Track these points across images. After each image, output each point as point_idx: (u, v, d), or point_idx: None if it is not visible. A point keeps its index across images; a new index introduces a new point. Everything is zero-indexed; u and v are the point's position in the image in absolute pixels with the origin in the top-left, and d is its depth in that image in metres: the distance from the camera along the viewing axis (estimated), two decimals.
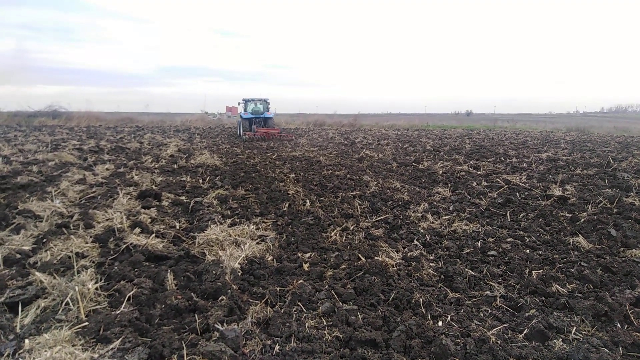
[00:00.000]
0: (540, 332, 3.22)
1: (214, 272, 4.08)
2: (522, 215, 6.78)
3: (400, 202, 7.52)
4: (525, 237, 5.64)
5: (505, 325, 3.40)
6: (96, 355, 2.76)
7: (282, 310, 3.53)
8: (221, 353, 2.77)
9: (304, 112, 75.27)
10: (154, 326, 3.24)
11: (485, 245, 5.32)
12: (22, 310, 3.38)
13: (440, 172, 10.89)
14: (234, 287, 3.86)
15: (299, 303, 3.66)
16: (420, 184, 9.47)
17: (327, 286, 4.00)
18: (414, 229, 5.96)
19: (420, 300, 3.70)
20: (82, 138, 20.77)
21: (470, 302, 3.86)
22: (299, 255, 4.87)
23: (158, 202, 7.12)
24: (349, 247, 5.17)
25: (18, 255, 4.52)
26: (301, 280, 4.06)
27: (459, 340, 3.14)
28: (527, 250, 5.16)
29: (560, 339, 3.17)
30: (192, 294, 3.74)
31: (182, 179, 9.51)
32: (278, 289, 3.93)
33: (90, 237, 5.11)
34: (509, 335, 3.26)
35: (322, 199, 7.72)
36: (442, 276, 4.37)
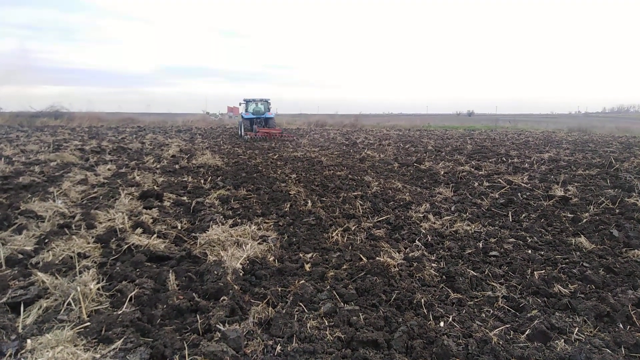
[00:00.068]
0: (542, 332, 3.22)
1: (215, 272, 4.08)
2: (523, 215, 6.77)
3: (401, 203, 7.52)
4: (527, 238, 5.63)
5: (507, 325, 3.40)
6: (98, 356, 2.76)
7: (284, 311, 3.53)
8: (223, 353, 2.77)
9: (305, 112, 75.36)
10: (156, 326, 3.24)
11: (487, 245, 5.31)
12: (24, 311, 3.38)
13: (442, 172, 10.88)
14: (236, 287, 3.86)
15: (300, 303, 3.66)
16: (422, 185, 9.47)
17: (328, 286, 4.00)
18: (415, 230, 5.96)
19: (422, 300, 3.69)
20: (84, 138, 20.81)
21: (472, 302, 3.85)
22: (301, 255, 4.87)
23: (160, 202, 7.13)
24: (350, 247, 5.17)
25: (20, 256, 4.53)
26: (303, 281, 4.06)
27: (460, 340, 3.14)
28: (529, 251, 5.15)
29: (563, 340, 3.16)
30: (193, 294, 3.74)
31: (183, 179, 9.52)
32: (279, 289, 3.94)
33: (92, 237, 5.12)
34: (511, 336, 3.26)
35: (324, 199, 7.72)
36: (443, 276, 4.36)
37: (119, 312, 3.31)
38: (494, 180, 9.56)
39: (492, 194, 8.14)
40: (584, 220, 6.37)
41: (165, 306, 3.50)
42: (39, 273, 3.92)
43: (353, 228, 5.96)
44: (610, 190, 8.40)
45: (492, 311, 3.68)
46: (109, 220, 5.85)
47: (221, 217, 6.22)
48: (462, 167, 11.55)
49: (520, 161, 13.25)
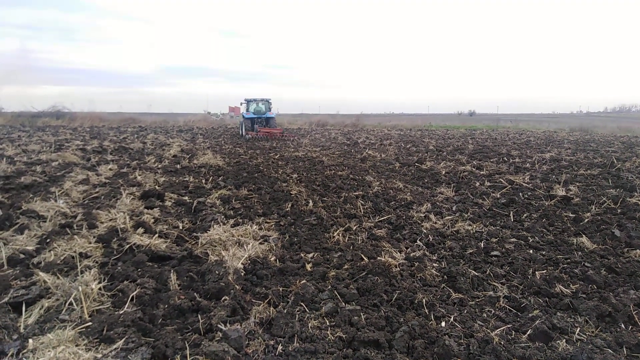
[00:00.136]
0: (544, 332, 3.21)
1: (217, 272, 4.08)
2: (525, 215, 6.76)
3: (403, 203, 7.51)
4: (529, 238, 5.62)
5: (508, 325, 3.39)
6: (99, 355, 2.77)
7: (285, 311, 3.53)
8: (224, 353, 2.77)
9: (307, 112, 75.34)
10: (157, 326, 3.25)
11: (488, 245, 5.30)
12: (25, 310, 3.39)
13: (443, 172, 10.87)
14: (237, 287, 3.86)
15: (301, 303, 3.66)
16: (423, 184, 9.46)
17: (330, 286, 4.00)
18: (416, 229, 5.95)
19: (423, 300, 3.69)
20: (85, 138, 20.85)
21: (473, 302, 3.85)
22: (302, 255, 4.87)
23: (161, 202, 7.14)
24: (351, 247, 5.17)
25: (22, 256, 4.54)
26: (304, 281, 4.07)
27: (462, 340, 3.14)
28: (531, 251, 5.15)
29: (564, 340, 3.15)
30: (195, 294, 3.75)
31: (185, 179, 9.53)
32: (281, 289, 3.94)
33: (94, 237, 5.13)
34: (513, 336, 3.25)
35: (325, 199, 7.72)
36: (445, 276, 4.36)
37: (121, 312, 3.31)
38: (495, 180, 9.55)
39: (493, 194, 8.13)
40: (586, 220, 6.35)
41: (166, 306, 3.51)
42: (40, 273, 3.93)
43: (354, 228, 5.95)
44: (612, 190, 8.38)
45: (493, 311, 3.68)
46: (110, 220, 5.86)
47: (222, 217, 6.23)
48: (464, 167, 11.54)
49: (521, 161, 13.24)
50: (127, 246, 4.79)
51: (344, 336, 3.16)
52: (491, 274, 4.41)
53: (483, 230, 5.92)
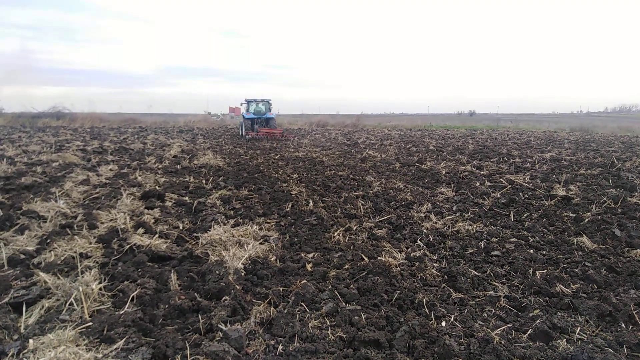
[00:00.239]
0: (544, 332, 3.21)
1: (217, 272, 4.09)
2: (525, 215, 6.75)
3: (403, 203, 7.51)
4: (529, 237, 5.62)
5: (509, 325, 3.39)
6: (100, 355, 2.77)
7: (286, 311, 3.53)
8: (225, 353, 2.77)
9: (307, 112, 75.46)
10: (158, 326, 3.25)
11: (488, 245, 5.30)
12: (26, 311, 3.39)
13: (444, 172, 10.87)
14: (238, 287, 3.86)
15: (302, 303, 3.66)
16: (424, 184, 9.46)
17: (330, 286, 4.00)
18: (417, 229, 5.95)
19: (424, 300, 3.69)
20: (85, 139, 20.85)
21: (473, 302, 3.84)
22: (302, 255, 4.87)
23: (161, 202, 7.14)
24: (352, 247, 5.17)
25: (22, 256, 4.54)
26: (304, 281, 4.06)
27: (462, 340, 3.13)
28: (531, 251, 5.14)
29: (565, 339, 3.15)
30: (195, 294, 3.75)
31: (185, 179, 9.53)
32: (281, 289, 3.94)
33: (94, 237, 5.13)
34: (513, 336, 3.25)
35: (325, 199, 7.72)
36: (445, 276, 4.36)
37: (121, 312, 3.31)
38: (495, 180, 9.55)
39: (493, 194, 8.13)
40: (586, 219, 6.35)
41: (167, 306, 3.51)
42: (41, 273, 3.93)
43: (354, 228, 5.95)
44: (612, 190, 8.38)
45: (494, 311, 3.67)
46: (110, 220, 5.86)
47: (223, 217, 6.23)
48: (464, 167, 11.54)
49: (522, 161, 13.24)
50: (128, 246, 4.79)
51: (344, 336, 3.16)
52: (491, 274, 4.41)
53: (483, 230, 5.92)
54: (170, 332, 3.10)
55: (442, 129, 38.16)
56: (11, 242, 4.94)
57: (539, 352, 2.97)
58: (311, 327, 3.28)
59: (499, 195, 8.00)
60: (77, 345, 2.84)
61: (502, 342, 3.10)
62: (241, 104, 27.21)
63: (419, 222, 6.33)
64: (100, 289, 3.67)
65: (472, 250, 5.10)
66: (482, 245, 5.27)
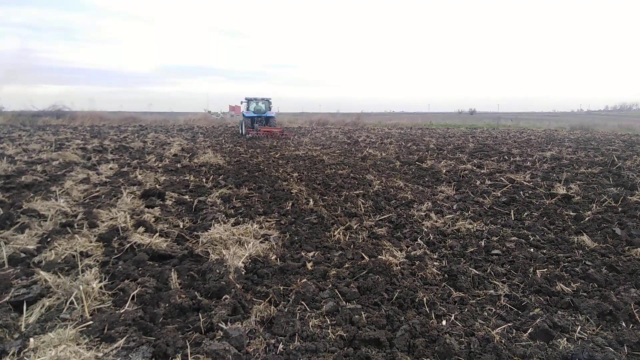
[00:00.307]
0: (545, 331, 3.21)
1: (217, 271, 4.09)
2: (526, 214, 6.75)
3: (403, 201, 7.51)
4: (530, 236, 5.62)
5: (509, 324, 3.39)
6: (100, 354, 2.77)
7: (286, 309, 3.53)
8: (225, 352, 2.77)
9: (307, 111, 75.40)
10: (158, 325, 3.25)
11: (489, 244, 5.30)
12: (26, 309, 3.39)
13: (444, 170, 10.86)
14: (238, 286, 3.86)
15: (302, 302, 3.66)
16: (424, 183, 9.45)
17: (330, 285, 4.00)
18: (417, 228, 5.95)
19: (424, 299, 3.69)
20: (85, 137, 20.86)
21: (474, 301, 3.84)
22: (303, 254, 4.87)
23: (162, 201, 7.14)
24: (352, 246, 5.16)
25: (23, 255, 4.54)
26: (305, 280, 4.06)
27: (463, 339, 3.14)
28: (532, 249, 5.14)
29: (565, 338, 3.15)
30: (196, 293, 3.75)
31: (185, 178, 9.53)
32: (282, 288, 3.94)
33: (95, 236, 5.13)
34: (513, 335, 3.25)
35: (326, 198, 7.71)
36: (445, 275, 4.35)
37: (122, 311, 3.32)
38: (496, 179, 9.54)
39: (494, 193, 8.12)
40: (587, 218, 6.35)
41: (167, 305, 3.51)
42: (41, 272, 3.94)
43: (355, 227, 5.95)
44: (613, 189, 8.37)
45: (494, 310, 3.67)
46: (111, 219, 5.86)
47: (223, 215, 6.23)
48: (464, 166, 11.53)
49: (522, 159, 13.23)
50: (128, 245, 4.79)
51: (344, 335, 3.16)
52: (492, 273, 4.41)
53: (484, 228, 5.92)
54: (170, 330, 3.10)
55: (443, 128, 38.14)
56: (11, 240, 4.95)
57: (540, 351, 2.97)
58: (311, 326, 3.28)
59: (499, 194, 8.00)
60: (77, 344, 2.84)
61: (503, 341, 3.10)
62: (241, 103, 27.25)
63: (420, 220, 6.33)
64: (100, 287, 3.67)
65: (472, 249, 5.10)
66: (483, 244, 5.27)
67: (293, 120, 44.74)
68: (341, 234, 5.56)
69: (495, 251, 5.03)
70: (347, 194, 7.99)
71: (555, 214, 6.63)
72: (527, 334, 3.23)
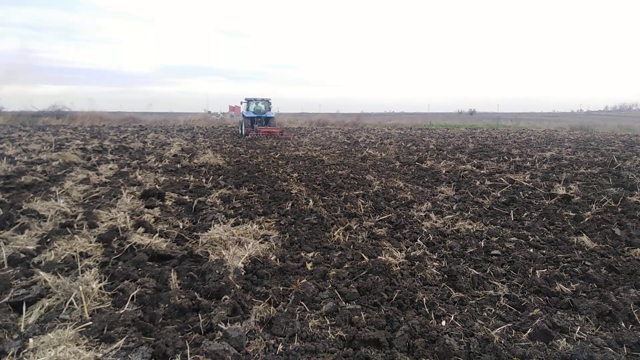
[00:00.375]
0: (544, 331, 3.21)
1: (217, 271, 4.09)
2: (525, 214, 6.75)
3: (403, 202, 7.51)
4: (529, 237, 5.62)
5: (509, 324, 3.39)
6: (100, 355, 2.77)
7: (286, 310, 3.53)
8: (225, 352, 2.78)
9: (307, 111, 75.41)
10: (158, 325, 3.25)
11: (488, 244, 5.30)
12: (26, 310, 3.39)
13: (444, 171, 10.86)
14: (238, 286, 3.86)
15: (302, 302, 3.66)
16: (424, 183, 9.46)
17: (330, 286, 4.00)
18: (417, 229, 5.95)
19: (424, 299, 3.69)
20: (85, 138, 20.85)
21: (473, 301, 3.85)
22: (302, 254, 4.87)
23: (161, 201, 7.14)
24: (352, 246, 5.17)
25: (22, 255, 4.54)
26: (304, 280, 4.06)
27: (462, 339, 3.14)
28: (531, 250, 5.14)
29: (564, 339, 3.15)
30: (195, 293, 3.75)
31: (185, 178, 9.53)
32: (281, 288, 3.94)
33: (94, 236, 5.13)
34: (513, 335, 3.25)
35: (325, 198, 7.72)
36: (445, 275, 4.36)
37: (121, 312, 3.32)
38: (495, 179, 9.54)
39: (493, 193, 8.13)
40: (586, 219, 6.35)
41: (167, 305, 3.51)
42: (41, 272, 3.93)
43: (355, 227, 5.95)
44: (613, 189, 8.37)
45: (493, 310, 3.68)
46: (110, 219, 5.86)
47: (223, 216, 6.23)
48: (464, 166, 11.53)
49: (522, 160, 13.23)
50: (128, 245, 4.79)
51: (344, 335, 3.16)
52: (491, 273, 4.41)
53: (483, 229, 5.92)
54: (170, 331, 3.10)
55: (442, 128, 38.15)
56: (11, 241, 4.95)
57: (539, 351, 2.97)
58: (311, 326, 3.28)
59: (499, 194, 8.00)
60: (77, 345, 2.84)
61: (502, 342, 3.10)
62: (241, 103, 27.28)
63: (419, 221, 6.33)
64: (100, 288, 3.67)
65: (472, 250, 5.10)
66: (482, 245, 5.27)
67: (293, 121, 44.74)
68: (341, 234, 5.56)
69: (495, 251, 5.03)
70: (346, 194, 7.99)
71: (554, 215, 6.63)
72: (526, 334, 3.24)
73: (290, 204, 7.13)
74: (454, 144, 19.39)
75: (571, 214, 6.67)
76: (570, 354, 2.92)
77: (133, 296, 3.58)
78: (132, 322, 3.18)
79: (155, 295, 3.69)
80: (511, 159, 13.28)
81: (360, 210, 6.88)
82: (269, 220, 6.26)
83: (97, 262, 4.44)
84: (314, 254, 4.88)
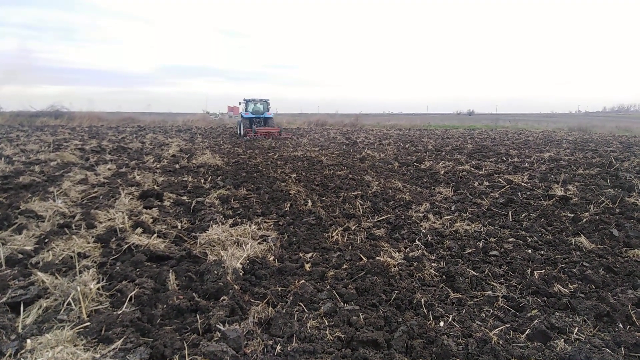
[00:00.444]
0: (542, 332, 3.22)
1: (215, 272, 4.08)
2: (524, 215, 6.76)
3: (401, 202, 7.51)
4: (527, 237, 5.63)
5: (507, 325, 3.40)
6: (98, 356, 2.76)
7: (284, 311, 3.53)
8: (223, 353, 2.77)
9: (306, 111, 75.46)
10: (156, 326, 3.24)
11: (487, 245, 5.31)
12: (24, 310, 3.38)
13: (442, 172, 10.87)
14: (236, 287, 3.86)
15: (300, 303, 3.65)
16: (422, 184, 9.46)
17: (328, 286, 4.00)
18: (415, 229, 5.96)
19: (422, 300, 3.69)
20: (84, 138, 20.81)
21: (472, 302, 3.85)
22: (301, 255, 4.87)
23: (160, 202, 7.13)
24: (350, 247, 5.17)
25: (20, 255, 4.53)
26: (303, 281, 4.06)
27: (460, 340, 3.14)
28: (529, 251, 5.15)
29: (562, 340, 3.16)
30: (193, 294, 3.74)
31: (183, 179, 9.52)
32: (280, 289, 3.93)
33: (92, 237, 5.12)
34: (511, 336, 3.26)
35: (324, 199, 7.72)
36: (443, 276, 4.36)
37: (119, 312, 3.31)
38: (494, 180, 9.55)
39: (492, 194, 8.14)
40: (584, 219, 6.36)
41: (165, 306, 3.50)
42: (38, 273, 3.92)
43: (353, 228, 5.95)
44: (611, 190, 8.39)
45: (492, 311, 3.68)
46: (109, 220, 5.85)
47: (221, 216, 6.23)
48: (462, 167, 11.55)
49: (520, 160, 13.25)
50: (126, 246, 4.78)
51: (342, 336, 3.16)
52: (490, 274, 4.42)
53: (482, 230, 5.93)
54: (168, 332, 3.10)
55: (441, 129, 38.19)
56: (9, 241, 4.94)
57: (537, 352, 2.97)
58: (309, 327, 3.28)
59: (497, 195, 8.01)
60: (75, 345, 2.84)
61: (500, 342, 3.11)
62: (240, 104, 27.35)
63: (418, 222, 6.33)
64: (98, 288, 3.66)
65: (470, 250, 5.11)
66: (481, 245, 5.27)
67: (292, 121, 44.75)
68: (339, 235, 5.56)
69: (493, 252, 5.04)
70: (345, 195, 7.99)
71: (553, 215, 6.65)
72: (524, 335, 3.24)
73: (288, 205, 7.12)
74: (453, 144, 19.41)
75: (569, 214, 6.68)
76: (568, 355, 2.93)
77: (131, 297, 3.57)
78: (130, 322, 3.17)
79: (153, 295, 3.68)
80: (509, 160, 13.30)
81: (359, 210, 6.88)
82: (267, 220, 6.26)
83: (95, 262, 4.43)
84: (312, 255, 4.88)
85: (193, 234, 5.51)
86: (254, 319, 3.39)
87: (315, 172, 10.85)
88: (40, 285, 3.75)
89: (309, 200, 7.35)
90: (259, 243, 5.12)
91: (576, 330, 3.31)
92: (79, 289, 3.50)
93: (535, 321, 3.37)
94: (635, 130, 34.73)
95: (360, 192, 8.22)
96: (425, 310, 3.58)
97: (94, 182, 8.78)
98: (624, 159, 13.53)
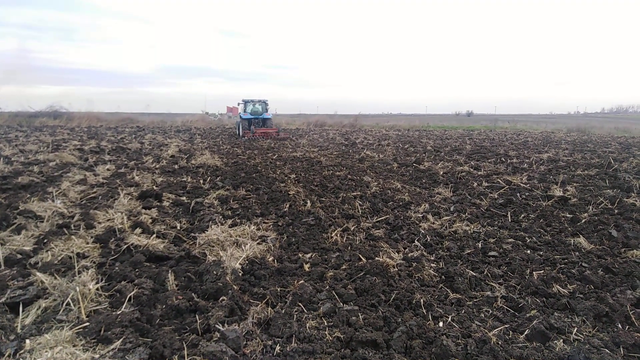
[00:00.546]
0: (541, 332, 3.22)
1: (214, 272, 4.08)
2: (522, 215, 6.77)
3: (401, 203, 7.52)
4: (526, 238, 5.64)
5: (506, 325, 3.40)
6: (97, 356, 2.76)
7: (283, 311, 3.53)
8: (222, 353, 2.77)
9: (305, 112, 75.56)
10: (155, 326, 3.24)
11: (486, 245, 5.31)
12: (23, 311, 3.38)
13: (441, 172, 10.88)
14: (235, 287, 3.86)
15: (299, 303, 3.66)
16: (421, 185, 9.47)
17: (327, 287, 4.00)
18: (414, 230, 5.96)
19: (421, 300, 3.70)
20: (83, 138, 20.78)
21: (471, 302, 3.85)
22: (300, 255, 4.87)
23: (159, 202, 7.13)
24: (349, 247, 5.17)
25: (19, 256, 4.52)
26: (302, 281, 4.06)
27: (459, 340, 3.14)
28: (528, 251, 5.16)
29: (561, 340, 3.16)
30: (192, 294, 3.74)
31: (183, 179, 9.52)
32: (279, 289, 3.93)
33: (91, 237, 5.11)
34: (510, 336, 3.26)
35: (323, 199, 7.72)
36: (442, 277, 4.36)
37: (118, 312, 3.31)
38: (493, 181, 9.56)
39: (491, 194, 8.15)
40: (583, 220, 6.37)
41: (164, 306, 3.50)
42: (37, 273, 3.92)
43: (352, 228, 5.96)
44: (609, 191, 8.41)
45: (491, 311, 3.68)
46: (108, 220, 5.85)
47: (220, 217, 6.22)
48: (461, 168, 11.56)
49: (519, 161, 13.26)
50: (125, 246, 4.78)
51: (341, 336, 3.16)
52: (489, 274, 4.42)
53: (481, 230, 5.94)
54: (167, 332, 3.10)
55: (440, 130, 38.22)
56: (8, 242, 4.93)
57: (536, 352, 2.98)
58: (309, 327, 3.28)
59: (496, 196, 8.02)
60: (74, 346, 2.83)
61: (499, 343, 3.11)
62: (238, 104, 27.41)
63: (417, 222, 6.34)
64: (97, 289, 3.66)
65: (469, 251, 5.11)
66: (480, 246, 5.28)
67: (291, 122, 44.76)
68: (338, 235, 5.56)
69: (492, 253, 5.05)
70: (344, 195, 7.99)
71: (551, 216, 6.66)
72: (523, 335, 3.25)
73: (287, 205, 7.12)
74: (452, 145, 19.42)
75: (568, 215, 6.69)
76: (567, 355, 2.93)
77: (130, 297, 3.57)
78: (129, 323, 3.17)
79: (152, 296, 3.68)
80: (508, 161, 13.32)
81: (358, 211, 6.88)
82: (266, 221, 6.26)
83: (94, 263, 4.43)
84: (311, 255, 4.88)
85: (192, 234, 5.51)
86: (253, 319, 3.39)
87: (314, 172, 10.85)
88: (39, 285, 3.75)
89: (308, 201, 7.35)
90: (258, 243, 5.12)
91: (575, 330, 3.31)
92: (78, 289, 3.49)
93: (534, 321, 3.38)
94: (634, 131, 34.81)
95: (359, 193, 8.23)
96: (424, 311, 3.58)
97: (93, 182, 8.77)
98: (623, 160, 13.55)
